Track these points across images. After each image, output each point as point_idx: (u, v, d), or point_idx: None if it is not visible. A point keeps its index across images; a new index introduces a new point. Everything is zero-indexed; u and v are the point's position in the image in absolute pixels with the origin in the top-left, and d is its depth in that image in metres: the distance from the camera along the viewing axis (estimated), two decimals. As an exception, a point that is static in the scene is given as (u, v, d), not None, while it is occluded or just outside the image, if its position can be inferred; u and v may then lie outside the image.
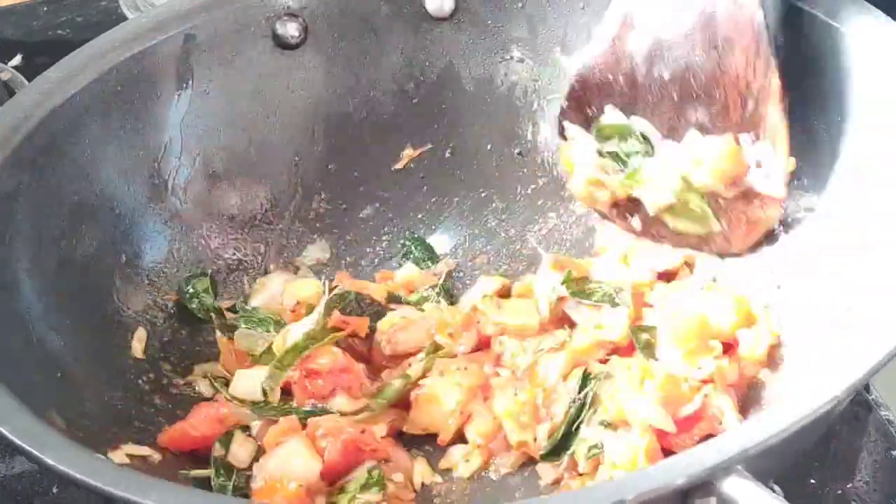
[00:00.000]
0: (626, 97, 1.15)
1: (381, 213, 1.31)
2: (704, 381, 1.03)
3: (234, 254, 1.25)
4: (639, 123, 1.15)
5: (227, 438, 1.06)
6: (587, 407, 1.06)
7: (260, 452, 1.05)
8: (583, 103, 1.18)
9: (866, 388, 1.20)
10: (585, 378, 1.08)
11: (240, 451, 1.05)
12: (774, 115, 1.08)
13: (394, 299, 1.22)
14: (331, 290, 1.19)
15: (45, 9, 1.87)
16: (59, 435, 0.87)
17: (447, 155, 1.32)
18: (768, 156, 1.09)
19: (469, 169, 1.25)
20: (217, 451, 1.05)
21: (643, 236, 1.19)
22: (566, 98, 1.18)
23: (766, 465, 0.87)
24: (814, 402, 0.81)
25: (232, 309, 1.20)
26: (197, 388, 1.15)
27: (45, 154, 1.11)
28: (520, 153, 1.30)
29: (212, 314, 1.19)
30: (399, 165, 1.32)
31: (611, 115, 1.16)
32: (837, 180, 1.08)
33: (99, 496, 0.82)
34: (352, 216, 1.31)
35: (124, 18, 1.70)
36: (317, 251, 1.29)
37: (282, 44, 1.27)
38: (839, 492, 1.11)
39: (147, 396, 1.11)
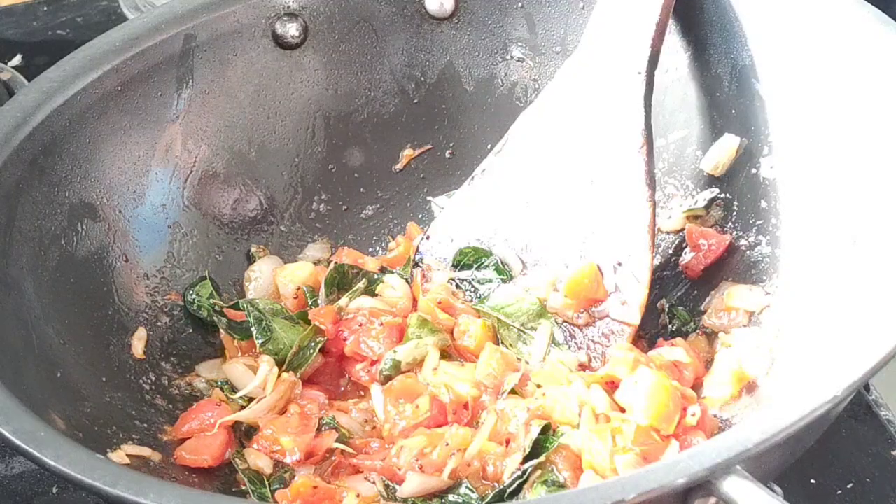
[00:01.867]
0: (490, 232, 1.21)
1: (382, 213, 1.31)
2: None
3: (234, 253, 1.26)
4: (500, 251, 1.20)
5: (240, 453, 1.07)
6: (532, 471, 1.01)
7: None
8: (445, 235, 1.23)
9: (866, 388, 1.20)
10: (545, 432, 1.03)
11: (259, 462, 1.06)
12: (640, 246, 1.11)
13: (386, 272, 1.24)
14: (328, 263, 1.23)
15: (44, 9, 1.86)
16: (59, 435, 0.87)
17: (447, 155, 1.32)
18: (629, 283, 1.12)
19: (469, 169, 1.25)
20: (240, 465, 1.06)
21: None
22: (430, 231, 1.24)
23: (766, 465, 0.87)
24: (814, 402, 0.81)
25: (234, 306, 1.20)
26: (197, 387, 1.15)
27: (45, 154, 1.11)
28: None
29: (214, 317, 1.19)
30: (399, 165, 1.32)
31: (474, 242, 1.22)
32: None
33: (98, 496, 0.82)
34: (352, 216, 1.31)
35: (124, 18, 1.70)
36: (317, 251, 1.28)
37: (282, 44, 1.27)
38: (839, 492, 1.11)
39: (147, 396, 1.11)
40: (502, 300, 1.16)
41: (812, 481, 1.12)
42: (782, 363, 1.05)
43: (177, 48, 1.21)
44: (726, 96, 1.18)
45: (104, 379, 1.08)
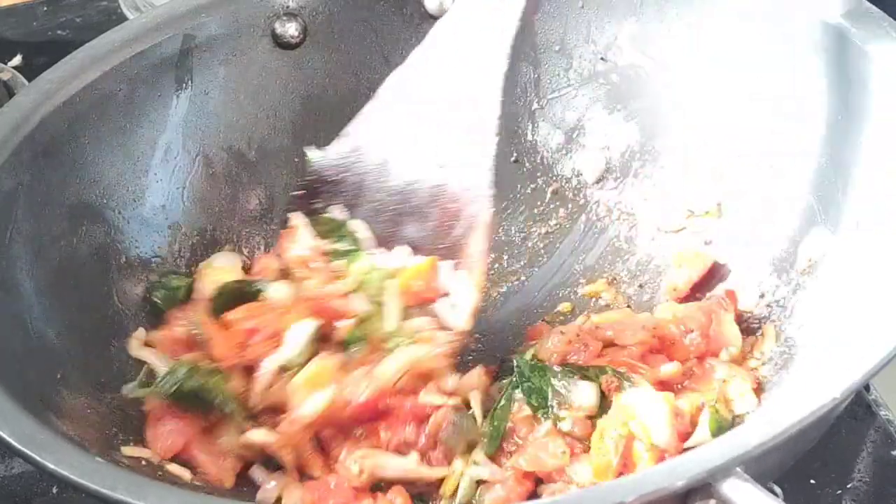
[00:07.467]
0: (351, 198, 1.17)
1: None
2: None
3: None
4: (355, 225, 1.16)
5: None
6: None
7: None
8: (313, 196, 1.19)
9: (866, 388, 1.20)
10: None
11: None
12: (476, 247, 1.08)
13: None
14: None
15: (44, 9, 1.87)
16: (58, 437, 0.87)
17: (447, 155, 1.32)
18: (461, 286, 1.09)
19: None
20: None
21: None
22: (299, 189, 1.20)
23: (766, 466, 0.87)
24: (813, 403, 0.81)
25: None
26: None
27: (45, 154, 1.11)
28: (516, 160, 1.30)
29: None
30: (399, 165, 1.32)
31: (333, 211, 1.18)
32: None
33: (99, 499, 0.82)
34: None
35: (124, 18, 1.70)
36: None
37: (281, 44, 1.27)
38: (839, 492, 1.11)
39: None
40: (353, 272, 1.13)
41: (812, 481, 1.12)
42: (781, 364, 1.05)
43: (177, 48, 1.21)
44: (725, 96, 1.18)
45: (104, 379, 1.08)
